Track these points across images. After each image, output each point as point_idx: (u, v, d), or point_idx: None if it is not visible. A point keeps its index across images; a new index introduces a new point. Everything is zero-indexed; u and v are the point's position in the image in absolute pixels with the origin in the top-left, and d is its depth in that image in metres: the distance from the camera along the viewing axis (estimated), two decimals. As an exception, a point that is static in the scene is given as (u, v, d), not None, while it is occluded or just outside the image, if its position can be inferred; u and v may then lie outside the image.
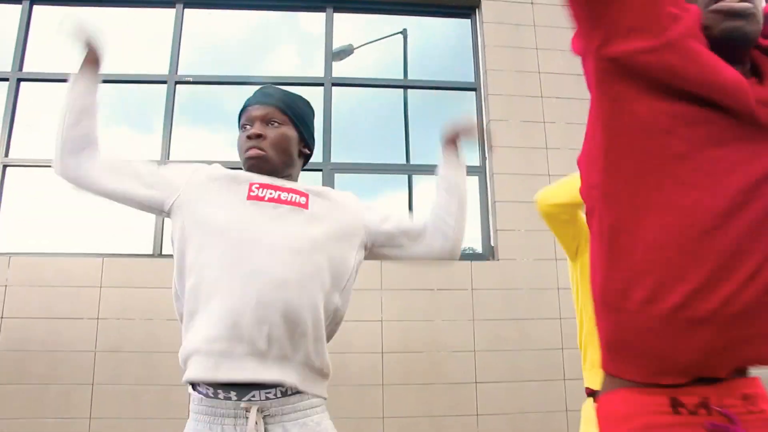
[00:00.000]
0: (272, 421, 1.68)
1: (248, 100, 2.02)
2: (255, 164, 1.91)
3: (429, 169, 6.00)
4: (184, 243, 1.80)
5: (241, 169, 1.97)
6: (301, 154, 2.03)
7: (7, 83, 5.53)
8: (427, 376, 4.93)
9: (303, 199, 1.86)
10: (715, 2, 1.15)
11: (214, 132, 6.05)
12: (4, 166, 5.31)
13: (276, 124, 1.94)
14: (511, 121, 5.54)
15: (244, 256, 1.72)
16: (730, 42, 1.15)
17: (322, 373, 1.81)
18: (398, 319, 5.03)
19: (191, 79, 5.66)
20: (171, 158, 5.39)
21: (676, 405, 1.13)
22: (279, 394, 1.69)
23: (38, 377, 4.76)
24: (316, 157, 5.57)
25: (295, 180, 2.00)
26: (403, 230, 2.00)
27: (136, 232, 5.33)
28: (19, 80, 5.56)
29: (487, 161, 5.55)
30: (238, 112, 2.05)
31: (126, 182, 1.85)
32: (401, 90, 6.06)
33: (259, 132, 1.91)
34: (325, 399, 1.82)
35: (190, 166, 1.94)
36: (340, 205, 1.94)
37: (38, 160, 5.39)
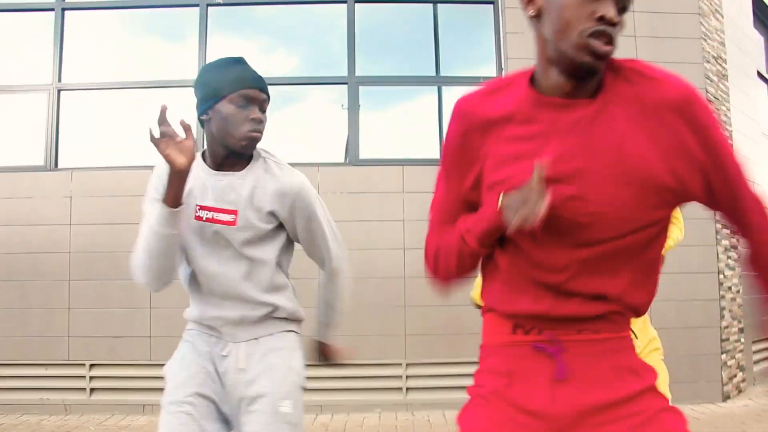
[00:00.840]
0: None
1: (247, 80, 2.06)
2: (249, 145, 2.05)
3: (458, 81, 6.37)
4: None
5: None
6: None
7: (53, 12, 5.97)
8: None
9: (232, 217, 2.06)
10: (590, 34, 1.25)
11: (248, 39, 6.43)
12: (59, 91, 5.85)
13: (265, 112, 2.10)
14: (526, 34, 5.75)
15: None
16: (580, 71, 1.31)
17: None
18: (420, 219, 5.48)
19: (221, 1, 6.00)
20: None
21: (516, 327, 1.44)
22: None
23: (103, 275, 5.46)
24: (341, 70, 5.96)
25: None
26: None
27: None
28: (63, 9, 6.00)
29: (503, 73, 5.81)
30: (218, 85, 2.07)
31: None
32: (421, 4, 6.28)
33: (262, 118, 2.07)
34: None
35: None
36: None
37: (88, 83, 5.97)
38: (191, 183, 1.96)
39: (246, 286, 2.04)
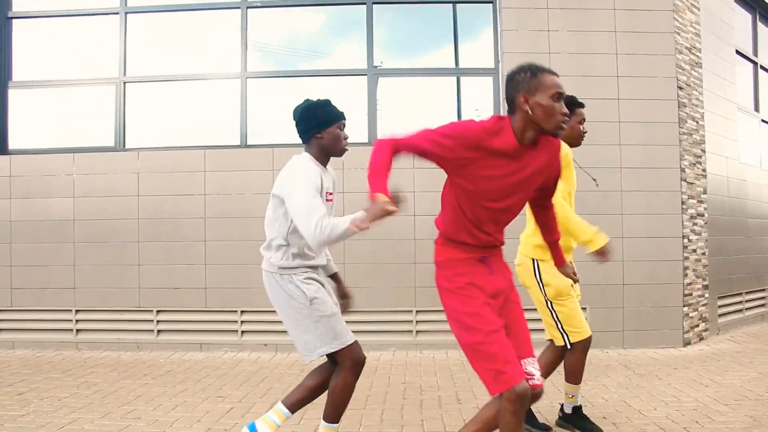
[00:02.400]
0: None
1: (341, 116, 3.21)
2: (341, 155, 3.24)
3: (480, 72, 7.03)
4: None
5: None
6: None
7: (117, 16, 6.85)
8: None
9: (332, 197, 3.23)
10: (562, 116, 2.36)
11: (282, 41, 7.24)
12: (124, 83, 6.77)
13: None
14: (520, 31, 6.47)
15: None
16: (552, 134, 2.42)
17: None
18: (429, 190, 6.35)
19: (259, 4, 6.83)
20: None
21: (466, 250, 2.56)
22: None
23: (166, 237, 6.43)
24: (360, 63, 6.76)
25: None
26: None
27: (227, 126, 6.69)
28: (126, 13, 6.87)
29: (500, 65, 6.57)
30: (328, 117, 3.17)
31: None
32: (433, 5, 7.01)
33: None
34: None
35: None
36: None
37: (149, 76, 6.84)
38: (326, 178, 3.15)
39: None
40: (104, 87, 6.83)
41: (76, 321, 6.49)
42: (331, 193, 3.14)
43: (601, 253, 3.39)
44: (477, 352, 2.40)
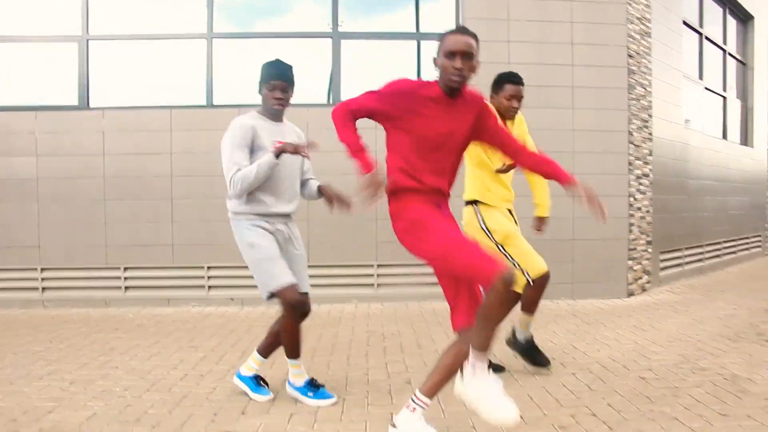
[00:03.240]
0: None
1: (271, 75, 3.41)
2: (280, 111, 3.46)
3: (436, 37, 7.10)
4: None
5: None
6: None
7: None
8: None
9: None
10: (453, 69, 2.66)
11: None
12: (87, 41, 6.71)
13: (287, 93, 3.45)
14: (482, 20, 6.59)
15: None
16: (450, 89, 2.71)
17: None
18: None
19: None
20: None
21: (418, 182, 2.77)
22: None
23: (133, 195, 6.51)
24: (324, 26, 6.84)
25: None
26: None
27: (193, 87, 6.69)
28: (90, -31, 6.80)
29: None
30: (262, 76, 3.43)
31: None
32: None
33: (283, 96, 3.43)
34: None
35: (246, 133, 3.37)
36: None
37: (112, 35, 6.79)
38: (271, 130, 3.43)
39: None
40: (67, 44, 6.73)
41: (42, 279, 6.54)
42: (281, 143, 3.33)
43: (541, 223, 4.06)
44: (454, 251, 2.56)
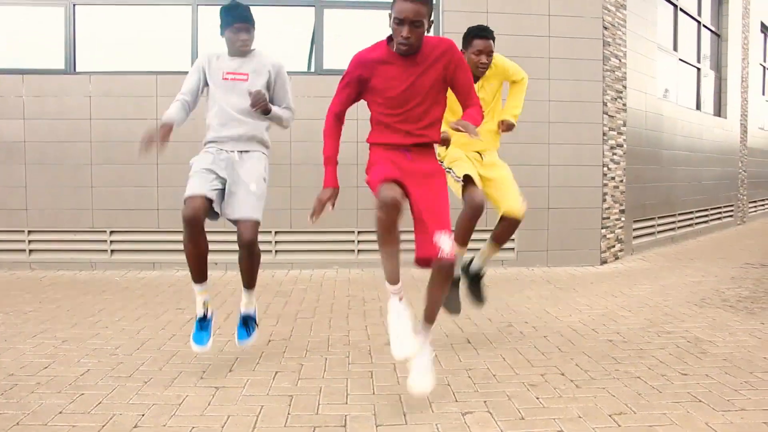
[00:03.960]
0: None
1: (242, 16, 3.48)
2: (246, 51, 3.52)
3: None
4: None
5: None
6: None
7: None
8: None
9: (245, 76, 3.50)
10: (401, 38, 2.80)
11: None
12: (74, 5, 6.65)
13: (249, 33, 3.50)
14: (462, 13, 6.61)
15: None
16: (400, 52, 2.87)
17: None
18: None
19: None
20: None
21: (389, 146, 2.98)
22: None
23: (119, 160, 6.54)
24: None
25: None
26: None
27: (179, 53, 6.71)
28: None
29: (440, 13, 6.81)
30: (229, 20, 3.48)
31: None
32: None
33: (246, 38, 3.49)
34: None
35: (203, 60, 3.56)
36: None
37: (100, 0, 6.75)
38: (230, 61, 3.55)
39: None
40: (53, 8, 6.67)
41: (29, 242, 6.60)
42: (237, 73, 3.50)
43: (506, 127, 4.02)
44: (373, 177, 2.97)
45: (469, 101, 3.06)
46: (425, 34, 2.85)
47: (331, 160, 3.12)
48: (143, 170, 6.53)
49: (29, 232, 6.58)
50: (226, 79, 3.50)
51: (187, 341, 3.93)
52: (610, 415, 2.76)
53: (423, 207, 2.90)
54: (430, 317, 3.03)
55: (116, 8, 6.80)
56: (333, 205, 3.09)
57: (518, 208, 3.83)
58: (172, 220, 6.52)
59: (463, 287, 4.12)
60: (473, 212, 3.63)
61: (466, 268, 4.14)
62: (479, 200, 3.62)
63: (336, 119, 3.13)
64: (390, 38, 2.97)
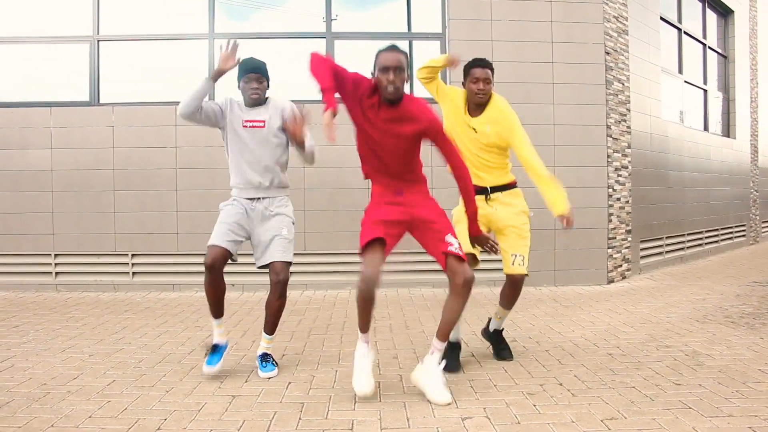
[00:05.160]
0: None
1: (253, 68, 3.80)
2: (257, 99, 3.81)
3: (429, 36, 7.46)
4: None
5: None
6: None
7: (88, -26, 7.08)
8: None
9: (262, 123, 3.78)
10: (386, 82, 3.17)
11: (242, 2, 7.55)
12: (98, 41, 7.03)
13: (262, 83, 3.84)
14: (467, 42, 7.07)
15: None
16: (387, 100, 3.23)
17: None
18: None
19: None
20: None
21: (380, 184, 3.36)
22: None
23: (140, 186, 6.85)
24: (319, 27, 7.14)
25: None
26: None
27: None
28: (98, -29, 7.12)
29: (446, 30, 7.00)
30: (242, 72, 3.82)
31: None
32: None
33: (259, 87, 3.81)
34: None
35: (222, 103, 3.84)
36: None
37: (121, 35, 7.11)
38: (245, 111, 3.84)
39: None
40: (79, 45, 7.05)
41: (55, 264, 6.89)
42: (250, 121, 3.78)
43: (566, 221, 3.96)
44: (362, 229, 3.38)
45: (453, 160, 3.43)
46: (405, 82, 3.26)
47: (327, 85, 3.21)
48: (163, 196, 6.82)
49: (55, 255, 6.88)
50: (245, 126, 3.78)
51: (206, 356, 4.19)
52: (602, 420, 2.93)
53: (423, 238, 3.47)
54: (443, 335, 3.40)
55: (137, 43, 7.16)
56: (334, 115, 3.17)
57: (516, 268, 3.95)
58: (190, 244, 6.80)
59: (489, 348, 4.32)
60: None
61: (486, 332, 4.34)
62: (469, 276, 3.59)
63: (330, 63, 3.32)
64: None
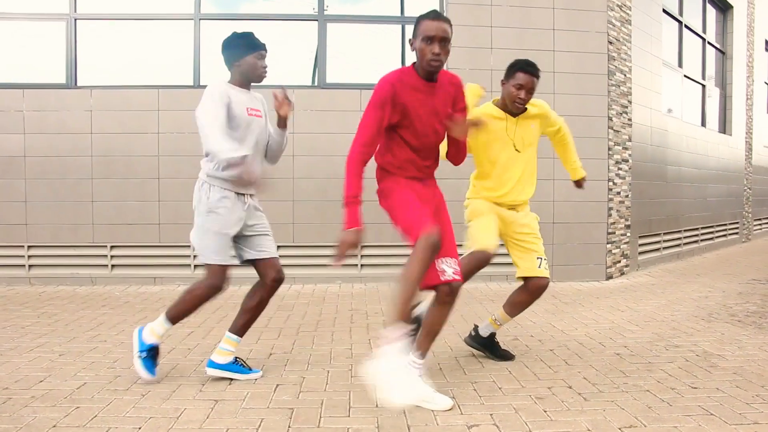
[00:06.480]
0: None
1: (258, 45, 3.45)
2: (262, 78, 3.45)
3: (408, 21, 7.24)
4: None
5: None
6: None
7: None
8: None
9: (259, 112, 3.44)
10: (432, 55, 2.83)
11: None
12: (75, 20, 6.67)
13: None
14: (466, 27, 6.68)
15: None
16: (428, 73, 2.91)
17: None
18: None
19: None
20: None
21: (410, 170, 3.07)
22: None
23: (120, 174, 6.52)
24: (310, 8, 6.85)
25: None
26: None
27: (180, 67, 6.70)
28: (77, -52, 6.76)
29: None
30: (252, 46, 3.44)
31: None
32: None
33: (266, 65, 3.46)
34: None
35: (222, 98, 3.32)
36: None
37: (100, 14, 6.75)
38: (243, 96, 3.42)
39: None
40: (55, 23, 6.69)
41: (29, 257, 6.55)
42: (255, 109, 3.42)
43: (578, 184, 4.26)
44: (400, 209, 3.04)
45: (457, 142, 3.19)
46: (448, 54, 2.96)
47: (355, 199, 2.95)
48: (144, 185, 6.50)
49: (29, 247, 6.54)
50: (251, 115, 3.40)
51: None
52: (620, 429, 2.69)
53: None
54: (398, 309, 2.81)
55: (117, 23, 6.81)
56: (358, 246, 2.93)
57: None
58: (173, 235, 6.49)
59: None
60: (478, 263, 3.58)
61: (476, 338, 3.94)
62: (490, 246, 3.57)
63: (363, 152, 2.95)
64: (403, 67, 3.00)
